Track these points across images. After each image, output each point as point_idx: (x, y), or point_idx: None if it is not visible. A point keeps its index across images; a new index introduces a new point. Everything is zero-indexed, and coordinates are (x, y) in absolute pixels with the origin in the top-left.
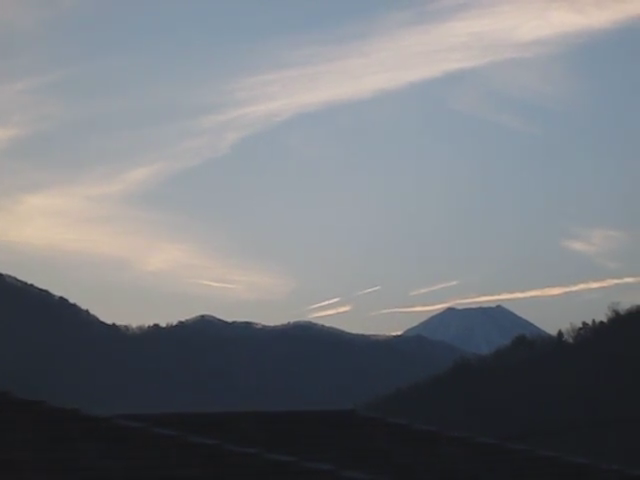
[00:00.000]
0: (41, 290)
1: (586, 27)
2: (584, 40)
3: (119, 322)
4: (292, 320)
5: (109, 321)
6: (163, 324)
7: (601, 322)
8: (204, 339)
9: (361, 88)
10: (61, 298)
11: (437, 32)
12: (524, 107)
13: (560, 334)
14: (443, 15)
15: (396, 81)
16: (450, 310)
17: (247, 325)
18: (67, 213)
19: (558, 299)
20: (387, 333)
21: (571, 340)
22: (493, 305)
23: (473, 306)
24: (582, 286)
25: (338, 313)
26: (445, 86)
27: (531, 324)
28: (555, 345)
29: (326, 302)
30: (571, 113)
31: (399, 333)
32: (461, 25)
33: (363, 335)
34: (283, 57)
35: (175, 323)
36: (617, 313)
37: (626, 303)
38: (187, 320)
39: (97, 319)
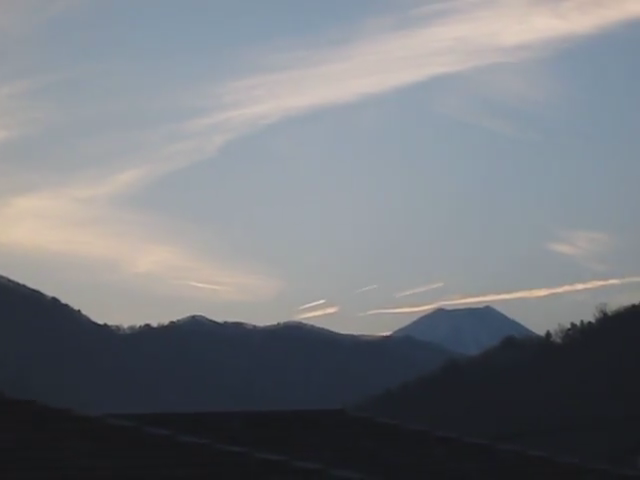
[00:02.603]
0: (33, 290)
1: (569, 32)
2: (567, 45)
3: (110, 322)
4: (282, 321)
5: (101, 321)
6: (154, 324)
7: (589, 323)
8: (195, 339)
9: (346, 92)
10: (53, 298)
11: (420, 37)
12: (508, 111)
13: (548, 335)
14: (425, 20)
15: (380, 85)
16: (439, 311)
17: (238, 325)
18: (56, 215)
19: (544, 300)
20: (376, 334)
21: (559, 340)
22: (481, 306)
23: (462, 307)
24: (567, 288)
25: (326, 314)
26: (429, 90)
27: (520, 325)
28: (544, 345)
29: (314, 303)
30: (555, 117)
31: (388, 334)
32: (444, 30)
33: (352, 335)
34: (268, 61)
35: (166, 323)
36: (605, 314)
37: (612, 304)
38: (178, 320)
39: (89, 319)
